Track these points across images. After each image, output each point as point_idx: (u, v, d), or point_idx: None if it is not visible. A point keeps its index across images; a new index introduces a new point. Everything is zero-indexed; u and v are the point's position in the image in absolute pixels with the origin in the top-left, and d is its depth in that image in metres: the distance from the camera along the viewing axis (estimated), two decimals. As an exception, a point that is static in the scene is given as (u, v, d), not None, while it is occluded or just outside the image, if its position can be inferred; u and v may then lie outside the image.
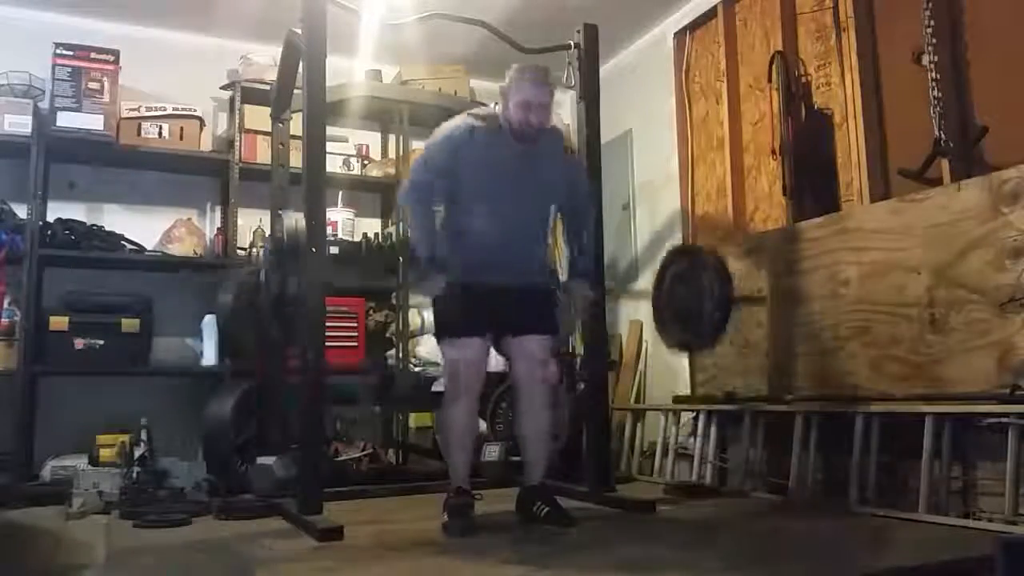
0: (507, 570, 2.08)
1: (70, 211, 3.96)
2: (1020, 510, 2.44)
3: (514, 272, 2.73)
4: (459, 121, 2.76)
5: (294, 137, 3.44)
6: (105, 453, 3.40)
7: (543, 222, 2.88)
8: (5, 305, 3.67)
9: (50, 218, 3.84)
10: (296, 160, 3.19)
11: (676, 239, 4.26)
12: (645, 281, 4.52)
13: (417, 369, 4.15)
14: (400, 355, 4.13)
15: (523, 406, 2.78)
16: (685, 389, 3.96)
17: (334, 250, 4.14)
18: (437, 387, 3.46)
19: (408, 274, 2.76)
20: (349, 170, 4.47)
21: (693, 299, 3.26)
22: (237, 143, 4.10)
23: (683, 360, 4.01)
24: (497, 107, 2.77)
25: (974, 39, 2.91)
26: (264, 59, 4.22)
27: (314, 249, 2.76)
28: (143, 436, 3.36)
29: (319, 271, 2.77)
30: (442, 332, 2.78)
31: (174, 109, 4.05)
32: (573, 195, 2.91)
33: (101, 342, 3.69)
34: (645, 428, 4.23)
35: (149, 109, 4.00)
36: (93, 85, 3.80)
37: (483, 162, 2.69)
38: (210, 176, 4.31)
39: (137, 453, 3.30)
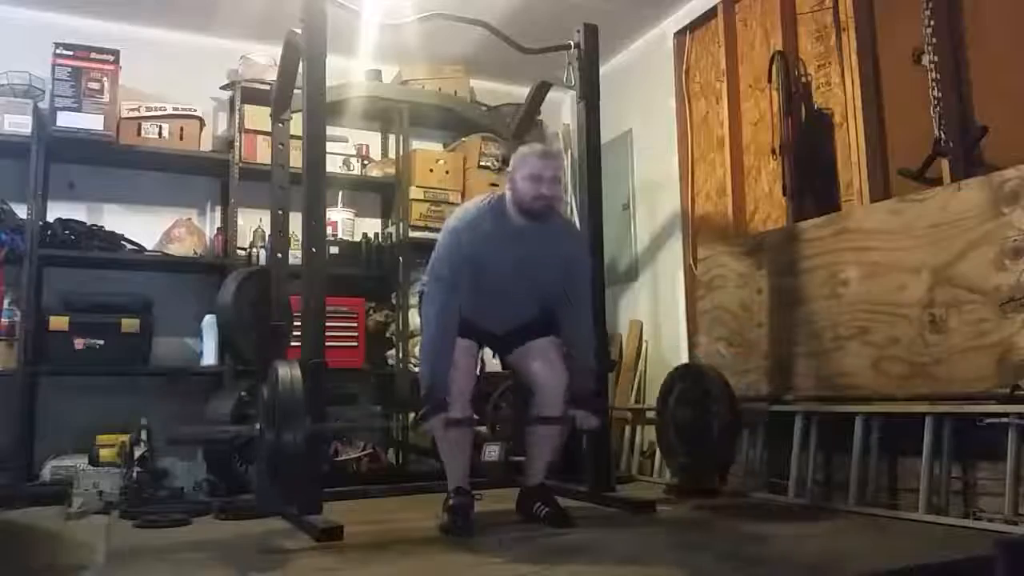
0: (507, 570, 2.08)
1: (70, 211, 3.96)
2: (1020, 510, 2.44)
3: (514, 325, 2.80)
4: (473, 211, 2.69)
5: (294, 137, 3.43)
6: (105, 453, 3.39)
7: (544, 298, 2.80)
8: (5, 305, 3.66)
9: (50, 218, 3.84)
10: (296, 160, 3.19)
11: (676, 239, 4.26)
12: (645, 281, 4.53)
13: (417, 369, 4.15)
14: (400, 355, 4.13)
15: (537, 405, 2.77)
16: (685, 389, 3.95)
17: (334, 250, 4.14)
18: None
19: (419, 411, 2.71)
20: (349, 170, 4.46)
21: (699, 429, 3.24)
22: (237, 143, 4.10)
23: (683, 360, 4.01)
24: (503, 192, 2.70)
25: (974, 39, 2.91)
26: (264, 59, 4.22)
27: (314, 249, 2.78)
28: (143, 436, 3.36)
29: (319, 271, 2.79)
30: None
31: (174, 109, 4.05)
32: (570, 286, 2.77)
33: (101, 342, 3.68)
34: (645, 428, 4.23)
35: (149, 109, 4.00)
36: (93, 85, 3.79)
37: (490, 248, 2.64)
38: (210, 176, 4.30)
39: (137, 453, 3.29)
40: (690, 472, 3.34)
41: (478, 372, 2.98)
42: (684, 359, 4.01)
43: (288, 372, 2.42)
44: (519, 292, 2.73)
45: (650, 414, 4.02)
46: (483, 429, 3.75)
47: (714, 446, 3.19)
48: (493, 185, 4.28)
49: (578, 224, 3.45)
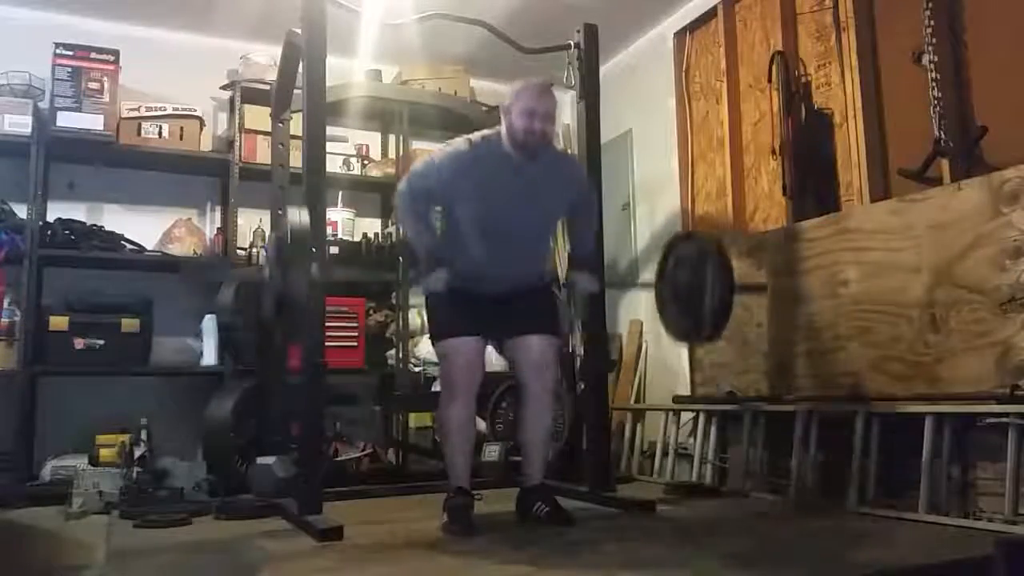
0: (507, 570, 2.08)
1: (70, 211, 3.96)
2: (1020, 510, 2.44)
3: (514, 283, 2.74)
4: (464, 144, 2.72)
5: (294, 137, 3.44)
6: (105, 453, 3.39)
7: (545, 236, 2.85)
8: (5, 305, 3.67)
9: (50, 218, 3.84)
10: (296, 160, 3.19)
11: (676, 239, 4.26)
12: (645, 280, 4.52)
13: (417, 369, 4.15)
14: (400, 355, 4.13)
15: (527, 407, 2.78)
16: (685, 389, 3.96)
17: (334, 250, 4.14)
18: (437, 387, 3.46)
19: (409, 273, 2.75)
20: (349, 170, 4.47)
21: (696, 288, 3.25)
22: (237, 143, 4.10)
23: (683, 360, 4.02)
24: (500, 128, 2.72)
25: (974, 39, 2.91)
26: (264, 59, 4.22)
27: (314, 249, 2.78)
28: (143, 436, 3.36)
29: (319, 271, 2.78)
30: (437, 329, 2.79)
31: (174, 109, 4.05)
32: (576, 205, 2.88)
33: (101, 342, 3.68)
34: (645, 428, 4.23)
35: (149, 109, 4.00)
36: (93, 85, 3.80)
37: (485, 178, 2.65)
38: (210, 176, 4.31)
39: (137, 453, 3.30)
40: (686, 329, 3.36)
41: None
42: (684, 359, 4.01)
43: (299, 216, 2.42)
44: (523, 220, 2.70)
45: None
46: (482, 427, 3.76)
47: (710, 306, 3.20)
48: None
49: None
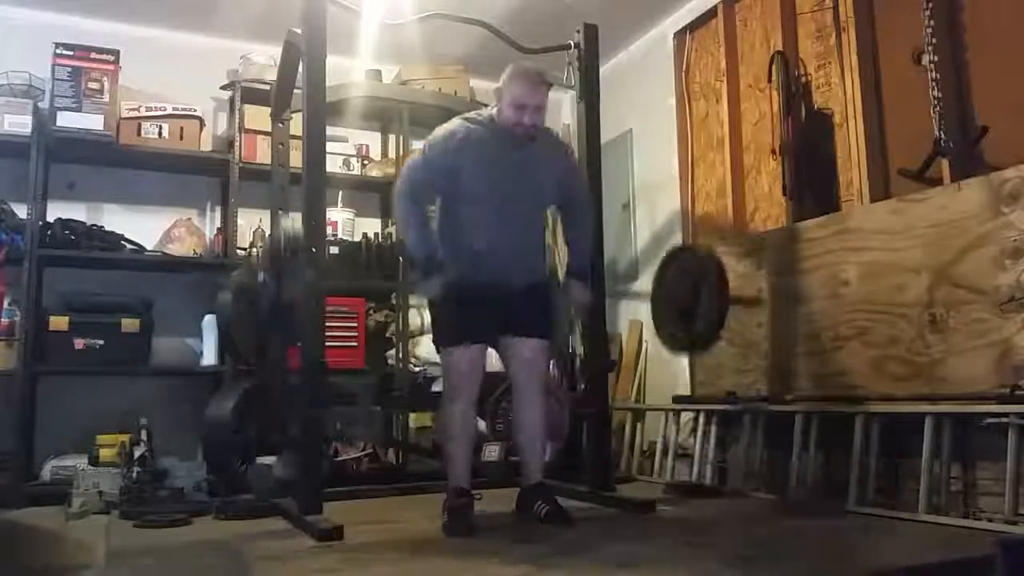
0: (507, 570, 2.08)
1: (70, 211, 3.95)
2: (1020, 510, 2.44)
3: (511, 272, 2.73)
4: (456, 123, 2.75)
5: (294, 137, 3.43)
6: (105, 453, 3.40)
7: (540, 223, 2.87)
8: (5, 305, 3.66)
9: (50, 218, 3.84)
10: (296, 160, 3.19)
11: (676, 239, 4.26)
12: (645, 281, 4.52)
13: (417, 369, 4.15)
14: (400, 355, 4.13)
15: (519, 408, 2.79)
16: (685, 389, 3.96)
17: (334, 250, 4.14)
18: (437, 387, 3.46)
19: (408, 276, 2.76)
20: (349, 170, 4.47)
21: (691, 299, 3.28)
22: (237, 143, 4.10)
23: (683, 360, 4.02)
24: (494, 108, 2.74)
25: (974, 39, 2.91)
26: (264, 59, 4.22)
27: (314, 249, 2.78)
28: (143, 436, 3.36)
29: (319, 271, 2.78)
30: (439, 337, 2.80)
31: (174, 109, 4.05)
32: (569, 196, 2.89)
33: (101, 342, 3.68)
34: (645, 428, 4.23)
35: (149, 109, 4.00)
36: (93, 85, 3.79)
37: (480, 161, 2.67)
38: (210, 176, 4.31)
39: (137, 453, 3.30)
40: (681, 340, 3.41)
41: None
42: (684, 359, 4.01)
43: (291, 222, 2.42)
44: (517, 196, 2.72)
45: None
46: (482, 427, 3.75)
47: (706, 317, 3.23)
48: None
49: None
